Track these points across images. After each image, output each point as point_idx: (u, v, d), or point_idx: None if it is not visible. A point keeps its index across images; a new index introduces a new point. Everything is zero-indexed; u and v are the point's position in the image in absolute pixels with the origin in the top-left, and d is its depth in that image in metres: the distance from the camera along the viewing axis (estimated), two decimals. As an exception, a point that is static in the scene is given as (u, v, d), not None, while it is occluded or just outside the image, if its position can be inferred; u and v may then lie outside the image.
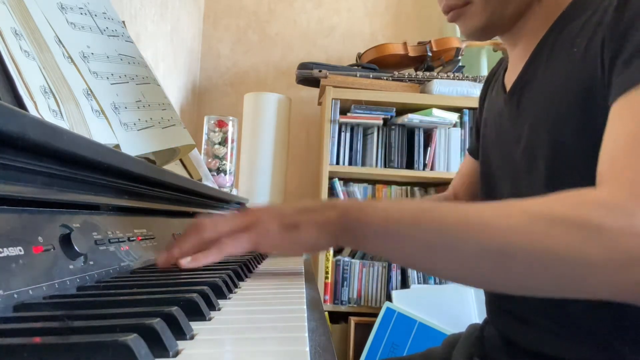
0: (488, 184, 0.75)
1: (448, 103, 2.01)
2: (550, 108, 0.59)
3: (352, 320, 1.93)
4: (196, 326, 0.32)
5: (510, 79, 0.70)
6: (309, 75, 2.05)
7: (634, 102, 0.47)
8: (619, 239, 0.38)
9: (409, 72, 2.11)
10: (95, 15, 0.73)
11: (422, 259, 0.48)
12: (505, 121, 0.70)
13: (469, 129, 2.04)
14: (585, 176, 0.55)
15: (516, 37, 0.68)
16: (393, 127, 2.05)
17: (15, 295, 0.33)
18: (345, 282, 2.00)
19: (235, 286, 0.50)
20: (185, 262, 0.54)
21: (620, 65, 0.50)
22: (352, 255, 2.08)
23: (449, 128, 2.06)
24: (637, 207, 0.39)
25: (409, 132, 2.08)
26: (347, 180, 2.13)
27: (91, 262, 0.44)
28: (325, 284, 1.98)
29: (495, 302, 0.71)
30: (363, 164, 2.05)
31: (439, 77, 2.04)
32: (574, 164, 0.56)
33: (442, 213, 0.46)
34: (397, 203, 0.51)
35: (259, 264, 0.73)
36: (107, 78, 0.68)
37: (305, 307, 0.40)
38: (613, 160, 0.46)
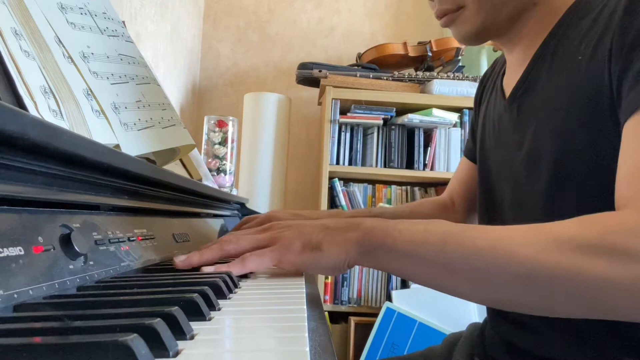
0: (487, 190, 0.75)
1: (448, 103, 2.01)
2: (555, 115, 0.58)
3: (352, 320, 1.93)
4: (196, 326, 0.32)
5: (509, 83, 0.69)
6: (309, 75, 2.05)
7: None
8: None
9: (409, 72, 2.11)
10: (95, 15, 0.73)
11: (446, 283, 0.49)
12: (505, 127, 0.69)
13: (469, 126, 2.04)
14: (587, 184, 0.55)
15: (513, 41, 0.67)
16: (393, 127, 2.05)
17: (15, 295, 0.33)
18: (345, 282, 2.00)
19: (235, 286, 0.50)
20: (207, 270, 0.55)
21: (631, 79, 0.48)
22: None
23: (449, 128, 2.06)
24: None
25: (409, 132, 2.08)
26: (347, 180, 2.13)
27: (91, 262, 0.44)
28: (325, 284, 1.98)
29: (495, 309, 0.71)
30: (363, 164, 2.05)
31: (439, 77, 2.04)
32: (578, 172, 0.56)
33: (469, 237, 0.47)
34: (421, 224, 0.51)
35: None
36: (107, 78, 0.68)
37: (305, 307, 0.40)
38: (632, 182, 0.46)
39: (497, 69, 0.79)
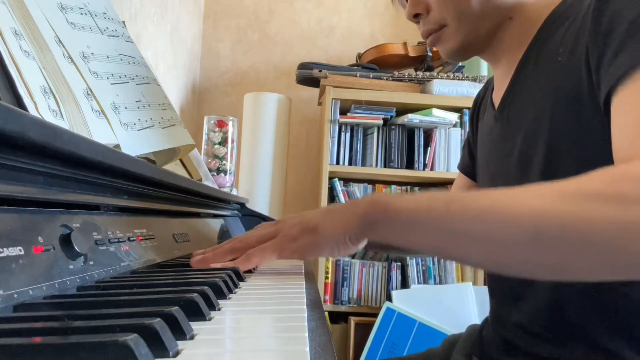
0: None
1: (448, 103, 2.01)
2: (541, 118, 0.60)
3: (352, 320, 1.93)
4: (196, 326, 0.32)
5: (497, 96, 0.72)
6: (309, 75, 2.05)
7: (633, 88, 0.47)
8: None
9: (409, 72, 2.11)
10: (95, 15, 0.73)
11: (454, 248, 0.47)
12: (496, 137, 0.71)
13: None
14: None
15: (496, 56, 0.70)
16: (393, 127, 2.05)
17: (15, 295, 0.33)
18: (345, 282, 2.00)
19: (235, 286, 0.50)
20: (215, 265, 0.58)
21: (607, 63, 0.50)
22: (352, 255, 2.08)
23: (449, 128, 2.06)
24: None
25: (409, 132, 2.08)
26: (347, 180, 2.13)
27: (91, 262, 0.44)
28: (325, 284, 1.98)
29: (497, 310, 0.71)
30: (363, 164, 2.05)
31: (439, 77, 2.04)
32: (567, 171, 0.56)
33: (474, 199, 0.46)
34: (423, 194, 0.50)
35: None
36: (107, 78, 0.68)
37: (305, 307, 0.40)
38: (632, 139, 0.45)
39: (489, 87, 0.81)
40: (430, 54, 2.14)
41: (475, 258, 0.47)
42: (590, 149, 0.54)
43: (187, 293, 0.36)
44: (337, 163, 2.03)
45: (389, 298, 1.93)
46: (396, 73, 2.08)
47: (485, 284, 1.96)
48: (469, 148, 0.88)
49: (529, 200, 0.42)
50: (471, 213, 0.45)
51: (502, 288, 0.71)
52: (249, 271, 0.64)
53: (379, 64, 2.14)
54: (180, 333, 0.29)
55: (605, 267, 0.41)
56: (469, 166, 0.88)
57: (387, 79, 2.04)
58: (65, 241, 0.40)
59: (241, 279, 0.56)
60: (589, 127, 0.54)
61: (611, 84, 0.49)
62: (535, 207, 0.42)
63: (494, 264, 0.48)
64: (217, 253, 0.60)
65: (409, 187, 2.14)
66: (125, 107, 0.69)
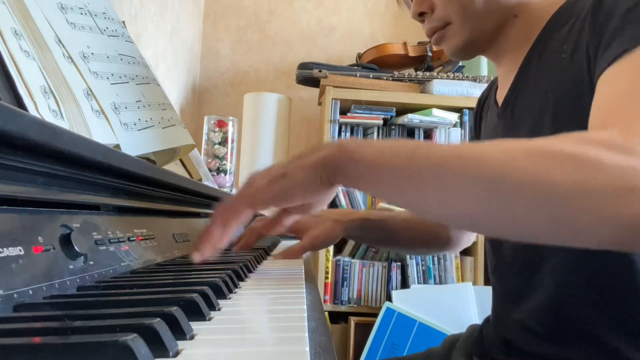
0: None
1: (448, 103, 2.01)
2: (545, 115, 0.60)
3: (352, 320, 1.93)
4: (196, 326, 0.32)
5: (501, 94, 0.72)
6: (309, 75, 2.05)
7: (618, 67, 0.48)
8: (616, 172, 0.37)
9: (409, 72, 2.11)
10: (95, 15, 0.73)
11: (416, 197, 0.46)
12: (499, 134, 0.71)
13: (469, 129, 2.04)
14: None
15: (500, 54, 0.71)
16: (393, 127, 2.05)
17: (15, 295, 0.33)
18: (345, 282, 1.99)
19: (235, 286, 0.50)
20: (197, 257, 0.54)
21: (602, 51, 0.51)
22: (352, 255, 2.08)
23: (449, 128, 2.06)
24: (636, 144, 0.39)
25: (409, 132, 2.08)
26: (347, 180, 2.13)
27: (91, 262, 0.44)
28: (325, 284, 1.98)
29: (499, 309, 0.71)
30: (363, 164, 2.05)
31: (439, 77, 2.04)
32: None
33: (439, 148, 0.45)
34: (394, 142, 0.50)
35: (259, 264, 0.73)
36: (107, 78, 0.69)
37: (305, 307, 0.40)
38: (608, 109, 0.46)
39: (493, 87, 0.81)
40: (430, 54, 2.14)
41: (435, 208, 0.46)
42: None
43: (187, 293, 0.36)
44: (337, 163, 2.02)
45: (389, 298, 1.93)
46: (396, 73, 2.08)
47: (485, 284, 1.96)
48: None
49: (493, 153, 0.42)
50: (434, 160, 0.44)
51: (504, 286, 0.71)
52: (249, 271, 0.64)
53: (379, 64, 2.14)
54: (180, 333, 0.29)
55: (559, 228, 0.40)
56: None
57: (387, 79, 2.04)
58: (65, 241, 0.40)
59: (241, 278, 0.56)
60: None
61: (603, 68, 0.50)
62: (498, 160, 0.41)
63: (453, 215, 0.47)
64: (205, 240, 0.55)
65: (409, 187, 2.14)
66: (125, 107, 0.69)
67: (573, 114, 0.56)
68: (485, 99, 0.83)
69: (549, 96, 0.60)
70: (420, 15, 0.70)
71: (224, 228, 0.54)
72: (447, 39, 0.69)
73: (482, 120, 0.83)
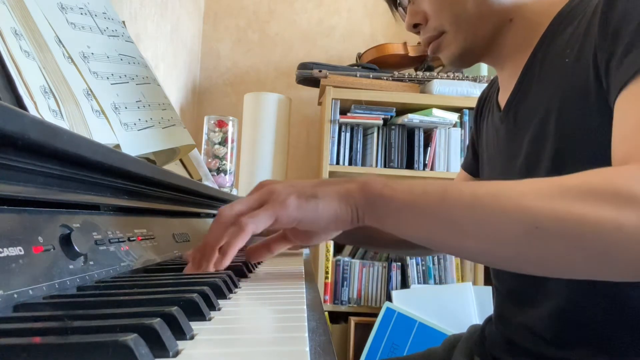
0: None
1: (448, 103, 2.01)
2: (549, 119, 0.60)
3: (352, 320, 1.93)
4: (196, 326, 0.32)
5: (503, 98, 0.71)
6: (309, 75, 2.05)
7: (634, 90, 0.47)
8: None
9: (409, 72, 2.11)
10: (95, 15, 0.73)
11: (448, 236, 0.46)
12: (502, 138, 0.70)
13: (469, 129, 2.04)
14: None
15: (500, 60, 0.70)
16: (393, 127, 2.05)
17: (15, 295, 0.33)
18: (345, 282, 1.99)
19: (235, 286, 0.50)
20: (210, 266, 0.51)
21: (616, 64, 0.50)
22: (352, 255, 2.08)
23: (449, 128, 2.06)
24: None
25: (409, 132, 2.08)
26: (347, 180, 2.13)
27: (91, 262, 0.44)
28: (325, 284, 1.98)
29: (502, 310, 0.71)
30: (363, 164, 2.05)
31: (439, 77, 2.04)
32: (575, 172, 0.57)
33: (471, 188, 0.45)
34: (421, 181, 0.49)
35: (259, 264, 0.73)
36: (107, 78, 0.68)
37: (305, 307, 0.40)
38: (634, 139, 0.46)
39: (494, 87, 0.80)
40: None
41: (468, 248, 0.46)
42: (598, 151, 0.53)
43: (187, 293, 0.36)
44: (337, 163, 2.03)
45: (389, 298, 1.93)
46: (396, 73, 2.08)
47: (485, 284, 1.96)
48: (473, 146, 0.88)
49: (526, 194, 0.42)
50: (466, 201, 0.44)
51: (507, 289, 0.70)
52: (249, 271, 0.64)
53: (379, 64, 2.14)
54: (180, 333, 0.29)
55: (599, 266, 0.41)
56: (472, 164, 0.87)
57: (387, 79, 2.04)
58: (65, 241, 0.40)
59: (241, 279, 0.56)
60: (596, 128, 0.54)
61: (619, 87, 0.49)
62: (532, 201, 0.41)
63: (487, 256, 0.47)
64: (209, 245, 0.51)
65: (409, 187, 2.14)
66: (126, 107, 0.69)
67: (578, 120, 0.56)
68: (486, 98, 0.83)
69: (553, 101, 0.59)
70: (415, 27, 0.70)
71: (239, 234, 0.50)
72: (443, 47, 0.69)
73: (482, 119, 0.82)
